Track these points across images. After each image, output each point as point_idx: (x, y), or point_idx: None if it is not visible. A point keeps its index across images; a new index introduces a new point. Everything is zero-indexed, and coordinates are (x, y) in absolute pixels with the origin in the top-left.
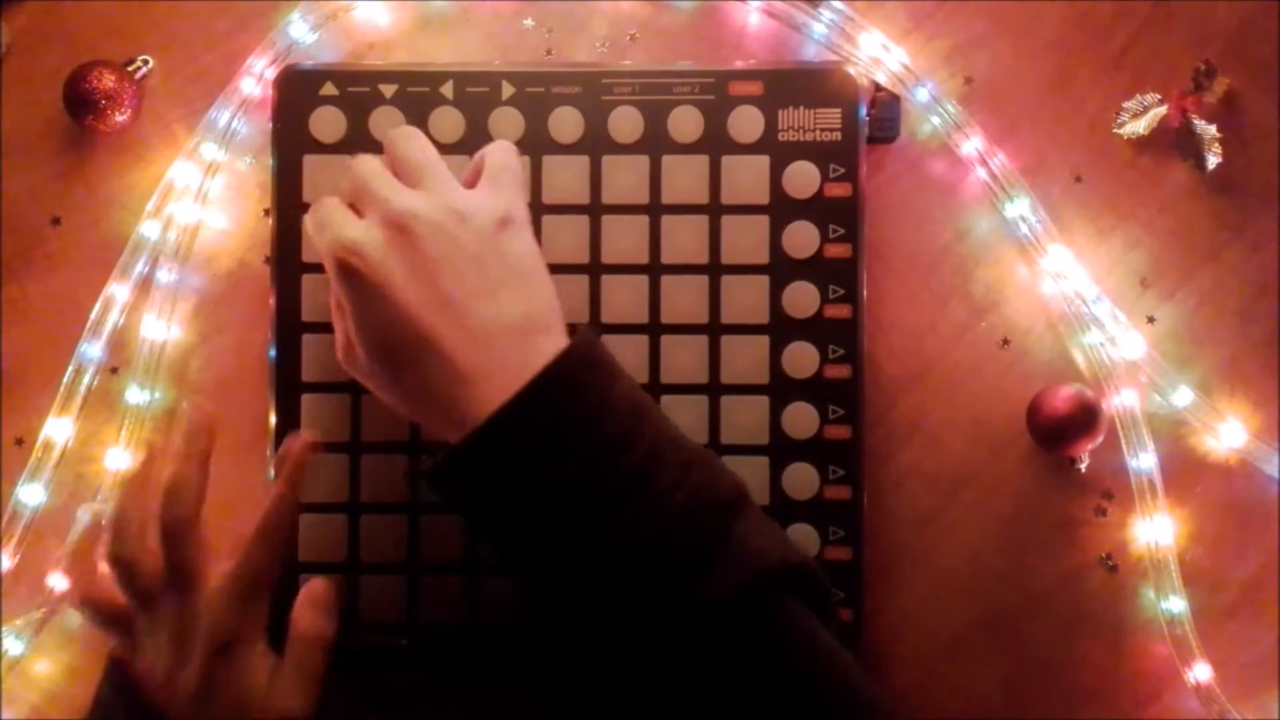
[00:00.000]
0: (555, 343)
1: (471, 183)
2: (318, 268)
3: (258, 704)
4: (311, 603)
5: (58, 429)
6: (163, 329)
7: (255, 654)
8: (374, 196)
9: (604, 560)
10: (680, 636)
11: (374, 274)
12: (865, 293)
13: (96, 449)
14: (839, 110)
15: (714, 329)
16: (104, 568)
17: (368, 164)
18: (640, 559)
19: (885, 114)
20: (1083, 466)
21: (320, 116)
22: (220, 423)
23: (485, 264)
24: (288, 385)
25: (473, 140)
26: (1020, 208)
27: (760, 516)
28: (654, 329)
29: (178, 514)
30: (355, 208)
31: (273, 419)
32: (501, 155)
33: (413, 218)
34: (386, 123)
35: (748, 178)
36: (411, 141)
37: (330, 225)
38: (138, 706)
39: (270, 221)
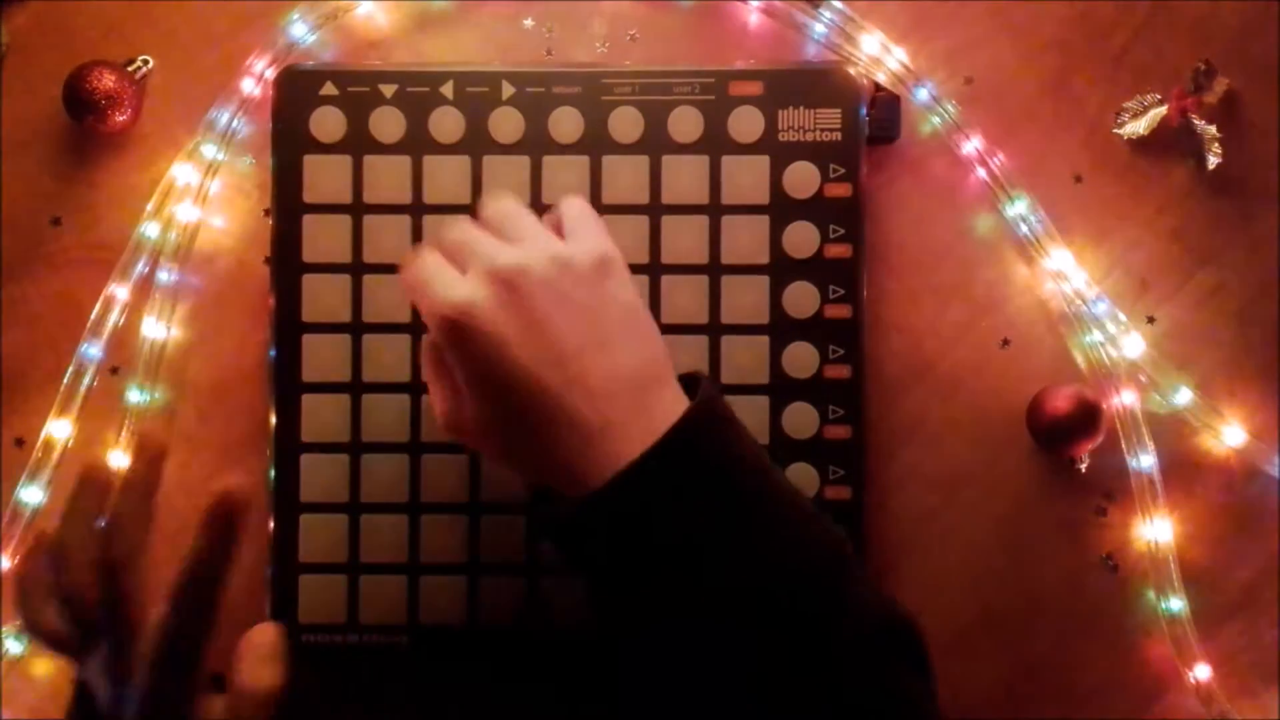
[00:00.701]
0: (673, 392)
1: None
2: (318, 268)
3: None
4: (253, 652)
5: (58, 429)
6: (163, 329)
7: (201, 705)
8: (476, 253)
9: (731, 608)
10: (795, 682)
11: (488, 334)
12: (865, 293)
13: (96, 449)
14: (839, 110)
15: (714, 329)
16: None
17: (460, 226)
18: (769, 607)
19: (885, 114)
20: (1083, 466)
21: (320, 116)
22: (169, 450)
23: (595, 314)
24: (288, 385)
25: (473, 140)
26: (1020, 208)
27: (864, 571)
28: None
29: (114, 554)
30: (456, 263)
31: (273, 419)
32: (578, 207)
33: (520, 273)
34: (387, 123)
35: (748, 178)
36: (501, 201)
37: (434, 283)
38: None
39: (270, 221)
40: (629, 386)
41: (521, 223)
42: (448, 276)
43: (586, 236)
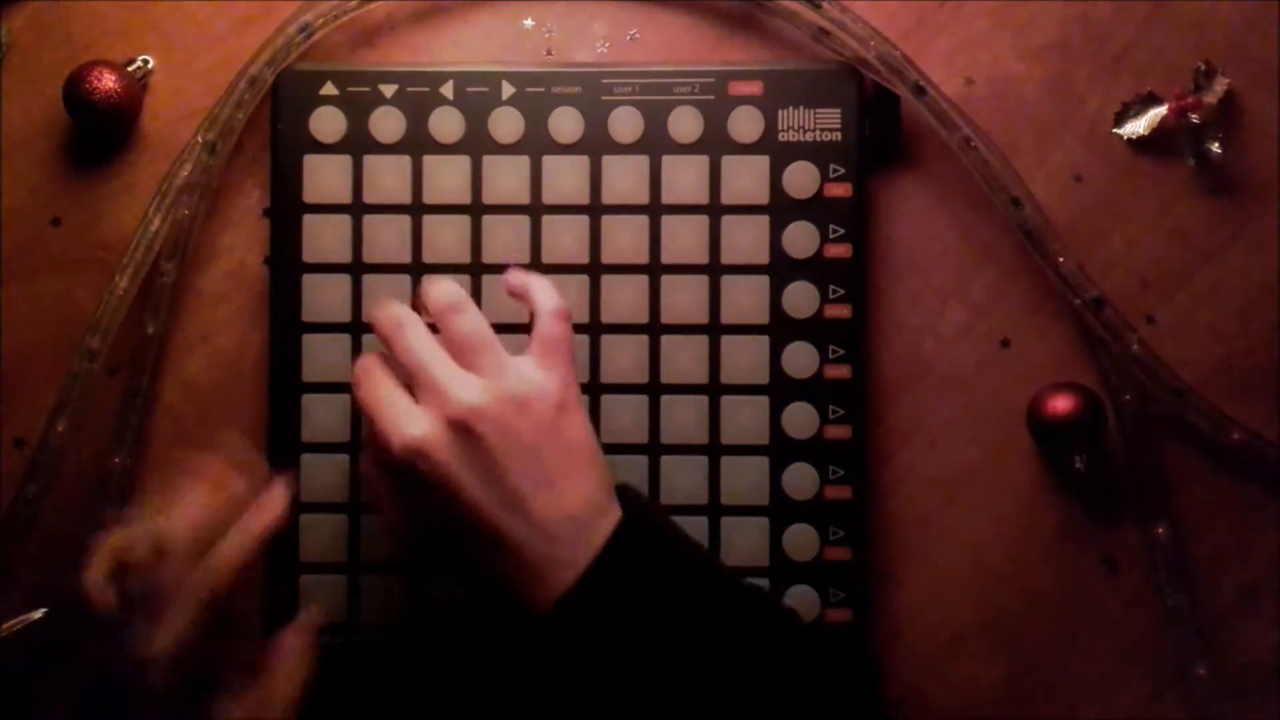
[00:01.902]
0: (611, 519)
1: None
2: (317, 268)
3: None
4: (285, 655)
5: (58, 429)
6: (162, 329)
7: (223, 699)
8: (434, 388)
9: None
10: None
11: (439, 475)
12: (865, 293)
13: (96, 449)
14: (839, 110)
15: (714, 329)
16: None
17: (420, 343)
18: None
19: (885, 114)
20: (1082, 466)
21: (320, 116)
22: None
23: (545, 454)
24: (287, 386)
25: (473, 140)
26: (1020, 208)
27: (813, 635)
28: (654, 329)
29: (209, 593)
30: (410, 388)
31: (272, 419)
32: (552, 324)
33: (478, 417)
34: (387, 123)
35: (748, 178)
36: (465, 316)
37: (389, 414)
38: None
39: (270, 221)
40: (573, 522)
41: (484, 351)
42: (402, 408)
43: (549, 372)
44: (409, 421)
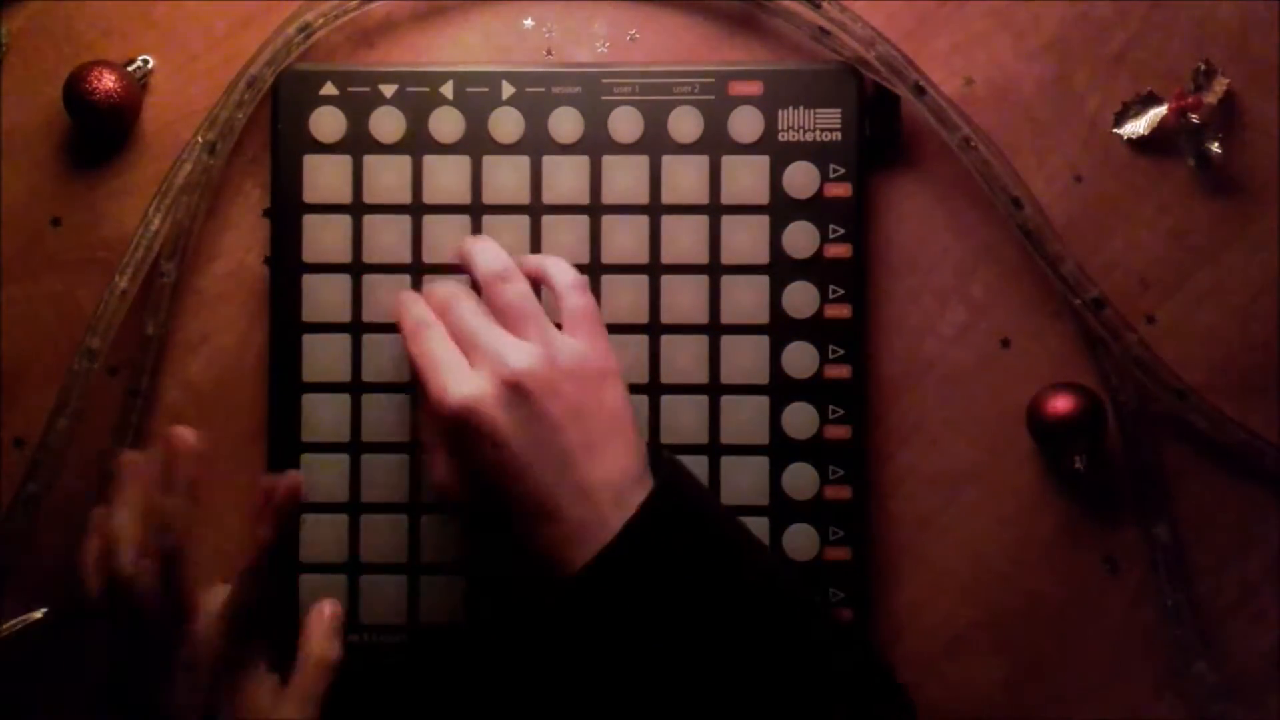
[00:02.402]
0: (646, 487)
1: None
2: (317, 268)
3: None
4: (320, 624)
5: (58, 429)
6: (162, 329)
7: (257, 678)
8: (486, 352)
9: (706, 669)
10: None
11: (490, 434)
12: (865, 293)
13: (96, 449)
14: (839, 110)
15: (714, 329)
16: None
17: (473, 311)
18: (745, 666)
19: (885, 114)
20: (1082, 466)
21: (320, 116)
22: (204, 447)
23: (589, 420)
24: (287, 385)
25: (473, 140)
26: (1020, 208)
27: (838, 620)
28: (654, 329)
29: (167, 544)
30: (463, 349)
31: (272, 419)
32: (577, 297)
33: (529, 376)
34: (387, 123)
35: (748, 178)
36: (513, 285)
37: (442, 373)
38: None
39: (270, 221)
40: (612, 488)
41: (531, 319)
42: (456, 368)
43: (591, 342)
44: (463, 380)
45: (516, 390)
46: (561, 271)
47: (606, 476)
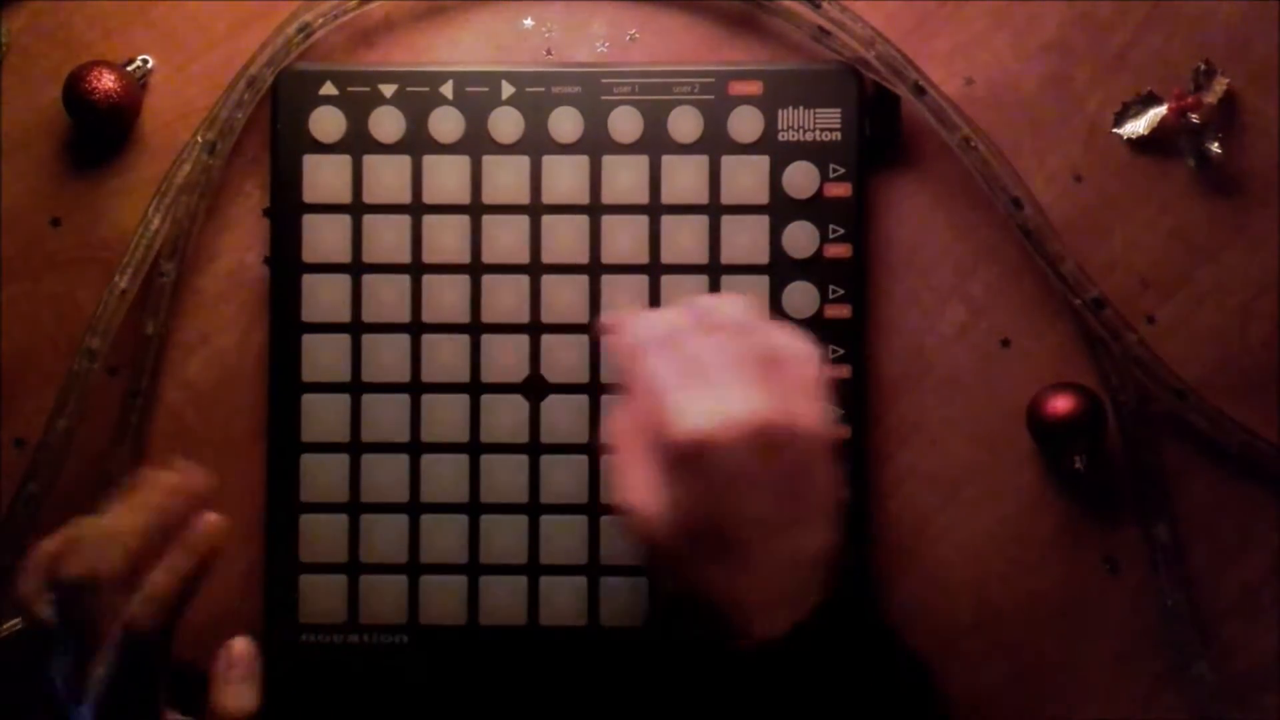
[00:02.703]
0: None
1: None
2: (317, 268)
3: None
4: (232, 671)
5: (58, 429)
6: (162, 329)
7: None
8: (733, 388)
9: None
10: None
11: (720, 474)
12: (865, 293)
13: (96, 449)
14: (839, 110)
15: None
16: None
17: (715, 347)
18: None
19: (885, 114)
20: (1082, 466)
21: (320, 116)
22: (227, 531)
23: (806, 492)
24: (287, 385)
25: (472, 140)
26: (1020, 208)
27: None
28: None
29: (142, 622)
30: (700, 378)
31: (272, 419)
32: (817, 371)
33: (772, 431)
34: (386, 123)
35: (748, 178)
36: (759, 336)
37: (683, 399)
38: None
39: (270, 221)
40: (808, 568)
41: (772, 369)
42: (695, 395)
43: (819, 413)
44: (703, 410)
45: (758, 438)
46: (793, 340)
47: (812, 552)
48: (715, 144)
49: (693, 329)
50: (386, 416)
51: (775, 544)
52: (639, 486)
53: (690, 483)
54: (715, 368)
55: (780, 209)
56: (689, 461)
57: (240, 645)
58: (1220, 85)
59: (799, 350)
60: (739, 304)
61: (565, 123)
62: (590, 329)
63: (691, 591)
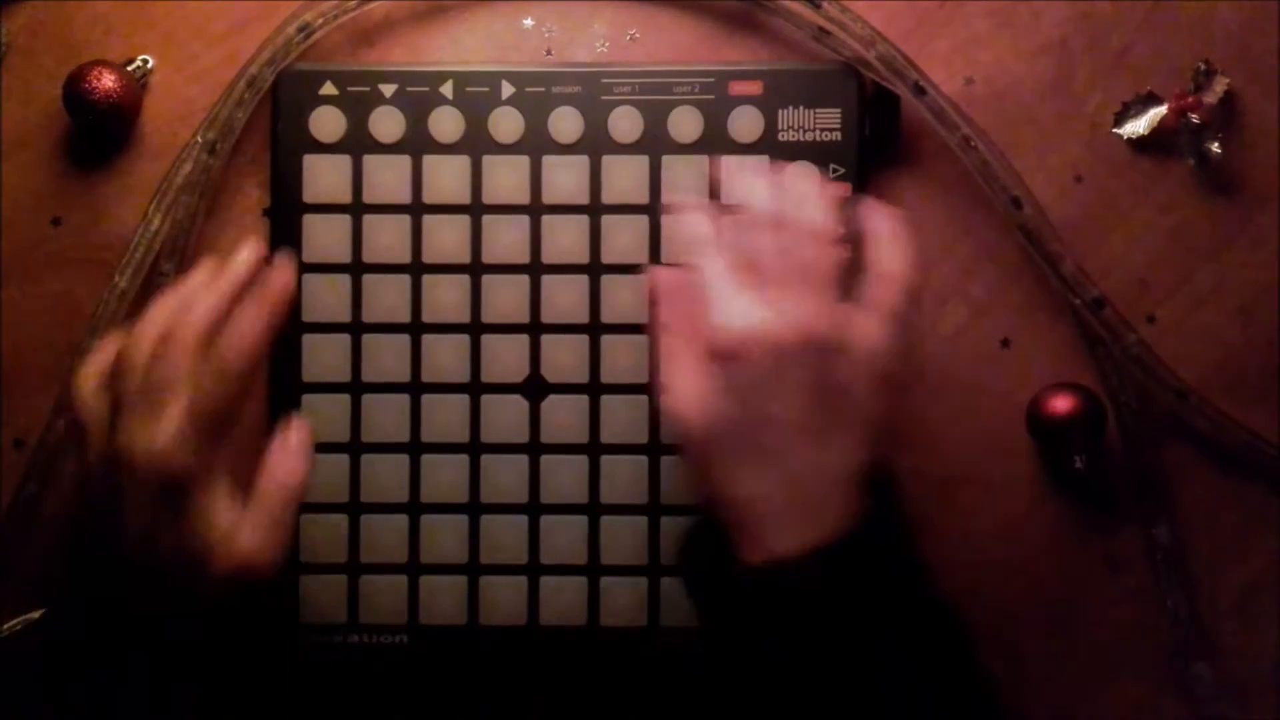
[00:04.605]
0: (861, 498)
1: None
2: (317, 268)
3: (218, 548)
4: (285, 443)
5: (57, 429)
6: None
7: (215, 496)
8: (791, 290)
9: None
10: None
11: (759, 373)
12: None
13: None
14: (839, 110)
15: None
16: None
17: (784, 244)
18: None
19: (885, 114)
20: (1082, 466)
21: (320, 116)
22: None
23: (849, 409)
24: (287, 385)
25: (472, 140)
26: (1020, 208)
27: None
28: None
29: (275, 313)
30: (759, 279)
31: (272, 419)
32: (894, 294)
33: (811, 335)
34: (386, 123)
35: None
36: (825, 251)
37: (733, 299)
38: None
39: (270, 221)
40: (849, 482)
41: (834, 280)
42: (750, 297)
43: (891, 341)
44: (749, 313)
45: (803, 342)
46: (891, 259)
47: (844, 469)
48: (715, 144)
49: (769, 224)
50: (386, 416)
51: (802, 453)
52: (680, 377)
53: (725, 380)
54: (776, 270)
55: None
56: (725, 360)
57: (298, 424)
58: (1220, 85)
59: (884, 269)
60: (824, 210)
61: (565, 123)
62: (590, 329)
63: (715, 493)
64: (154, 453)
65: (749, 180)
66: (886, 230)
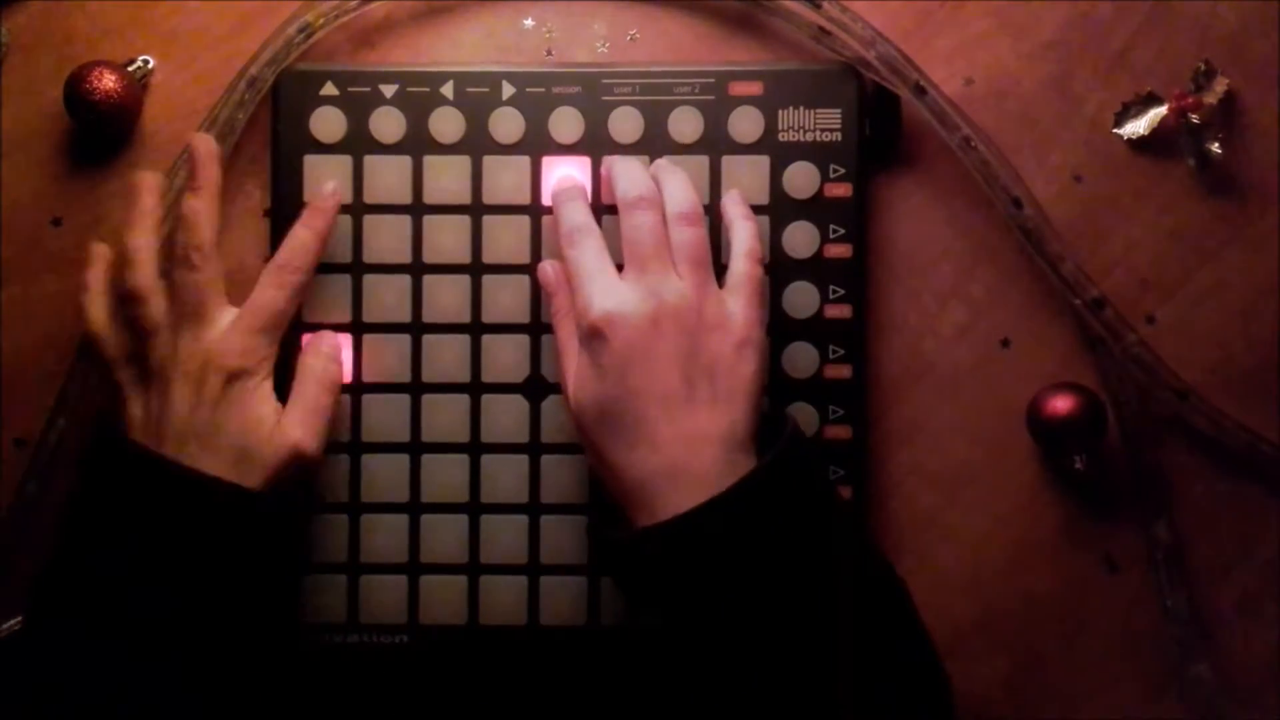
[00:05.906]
0: (750, 461)
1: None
2: (318, 268)
3: (267, 437)
4: (318, 347)
5: (57, 429)
6: None
7: (263, 390)
8: (647, 275)
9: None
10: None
11: (622, 352)
12: (865, 293)
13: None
14: (839, 110)
15: None
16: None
17: (651, 226)
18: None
19: (885, 114)
20: (1082, 466)
21: (320, 116)
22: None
23: (718, 376)
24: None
25: (473, 140)
26: (1020, 208)
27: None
28: None
29: (194, 241)
30: (627, 262)
31: None
32: (751, 268)
33: (676, 315)
34: (387, 123)
35: (748, 178)
36: (697, 230)
37: (594, 284)
38: (128, 460)
39: (270, 221)
40: (718, 446)
41: (701, 265)
42: (610, 280)
43: (747, 310)
44: (613, 293)
45: (660, 319)
46: (744, 238)
47: (715, 432)
48: (715, 144)
49: (646, 206)
50: (387, 416)
51: (673, 421)
52: (568, 362)
53: (594, 359)
54: (650, 254)
55: (781, 209)
56: (593, 339)
57: (328, 336)
58: (1220, 85)
59: (743, 248)
60: (692, 194)
61: (565, 123)
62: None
63: (607, 471)
64: (216, 350)
65: (622, 170)
66: (739, 212)
